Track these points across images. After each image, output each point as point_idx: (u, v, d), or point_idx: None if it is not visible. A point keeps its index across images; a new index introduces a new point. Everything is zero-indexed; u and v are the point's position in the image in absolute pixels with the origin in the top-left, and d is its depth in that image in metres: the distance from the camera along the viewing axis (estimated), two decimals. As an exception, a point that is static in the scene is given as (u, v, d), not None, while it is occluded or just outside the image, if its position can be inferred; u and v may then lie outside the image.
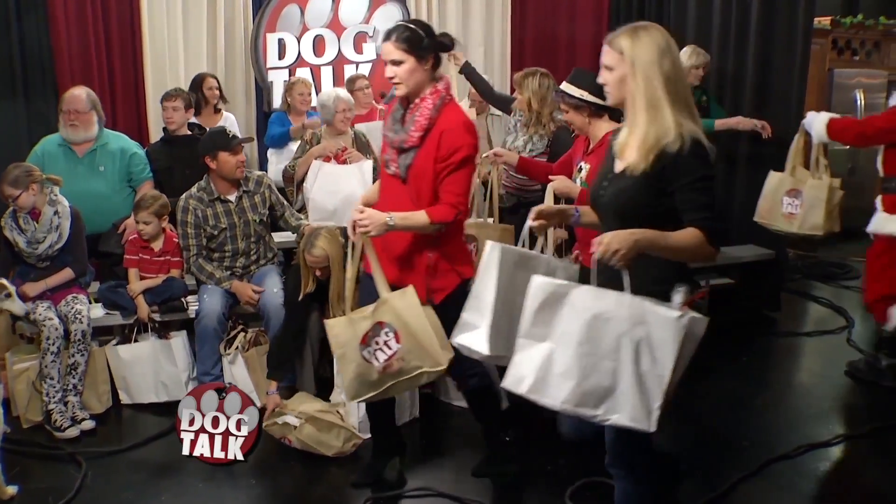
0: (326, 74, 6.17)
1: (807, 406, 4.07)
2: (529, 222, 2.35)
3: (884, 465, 3.46)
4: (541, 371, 1.98)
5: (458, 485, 3.15)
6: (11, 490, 3.05)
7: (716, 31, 5.39)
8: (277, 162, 5.26)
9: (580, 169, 3.49)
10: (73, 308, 3.74)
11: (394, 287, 2.76)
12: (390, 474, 3.14)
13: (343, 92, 4.78)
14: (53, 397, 3.61)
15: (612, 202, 2.20)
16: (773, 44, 5.08)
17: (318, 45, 6.20)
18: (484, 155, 3.88)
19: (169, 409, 3.79)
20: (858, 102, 7.22)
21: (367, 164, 4.47)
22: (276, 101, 5.96)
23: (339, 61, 6.27)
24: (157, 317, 4.00)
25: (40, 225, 3.74)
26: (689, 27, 5.57)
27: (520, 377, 2.01)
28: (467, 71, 4.72)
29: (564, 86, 3.43)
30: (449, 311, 2.61)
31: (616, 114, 3.29)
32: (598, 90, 3.34)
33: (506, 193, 4.41)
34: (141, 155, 4.50)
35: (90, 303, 3.94)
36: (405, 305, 2.70)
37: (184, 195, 3.97)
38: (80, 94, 4.31)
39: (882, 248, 4.04)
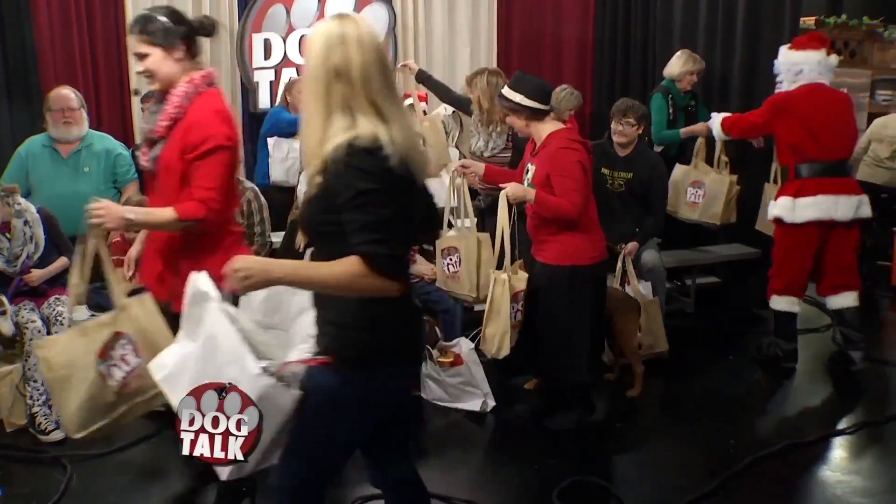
0: (313, 75, 6.14)
1: (793, 404, 4.10)
2: None
3: (871, 462, 3.48)
4: (177, 367, 1.93)
5: (447, 484, 3.13)
6: (-5, 494, 3.03)
7: (702, 32, 5.42)
8: (283, 160, 5.17)
9: (527, 171, 3.49)
10: (54, 310, 3.71)
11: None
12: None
13: None
14: (37, 400, 3.57)
15: (301, 218, 2.03)
16: (759, 44, 5.10)
17: (304, 46, 6.15)
18: (452, 168, 3.88)
19: (156, 412, 3.75)
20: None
21: None
22: (263, 102, 5.93)
23: (325, 61, 6.24)
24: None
25: (14, 239, 3.66)
26: (675, 27, 5.60)
27: (163, 363, 1.97)
28: (423, 78, 4.86)
29: (505, 89, 3.45)
30: None
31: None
32: (536, 94, 3.38)
33: (483, 195, 4.41)
34: (126, 156, 4.47)
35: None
36: (144, 313, 2.51)
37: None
38: (68, 93, 4.30)
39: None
